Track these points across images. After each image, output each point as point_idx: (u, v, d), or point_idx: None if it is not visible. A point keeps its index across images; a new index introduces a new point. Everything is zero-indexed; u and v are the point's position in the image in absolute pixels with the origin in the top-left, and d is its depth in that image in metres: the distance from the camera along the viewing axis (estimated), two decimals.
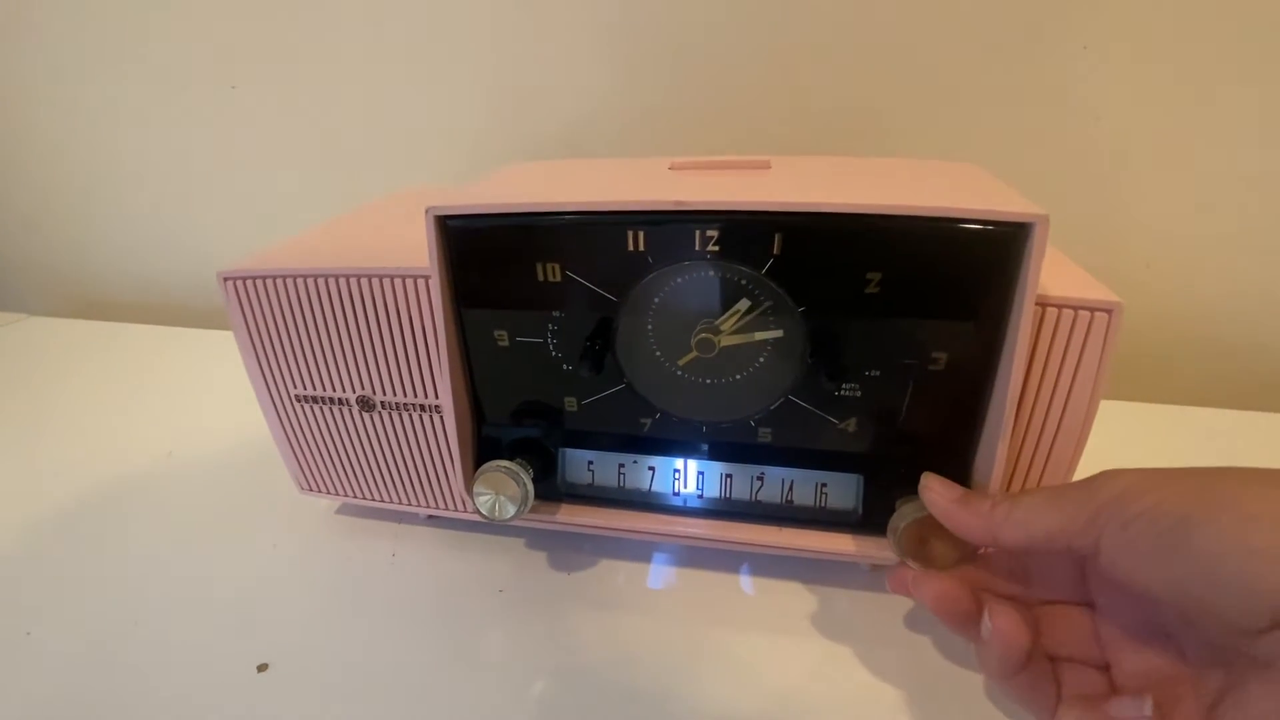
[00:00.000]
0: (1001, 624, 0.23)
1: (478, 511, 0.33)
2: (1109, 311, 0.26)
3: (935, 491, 0.27)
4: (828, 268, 0.26)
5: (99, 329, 0.75)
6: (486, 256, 0.29)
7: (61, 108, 0.73)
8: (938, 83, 0.50)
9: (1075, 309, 0.26)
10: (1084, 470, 0.29)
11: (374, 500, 0.39)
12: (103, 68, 0.69)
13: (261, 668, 0.32)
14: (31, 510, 0.44)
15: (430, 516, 0.41)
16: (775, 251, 0.26)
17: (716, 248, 0.26)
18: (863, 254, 0.26)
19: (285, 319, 0.34)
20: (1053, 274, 0.27)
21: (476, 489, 0.32)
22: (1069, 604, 0.26)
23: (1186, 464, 0.20)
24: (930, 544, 0.28)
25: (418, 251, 0.31)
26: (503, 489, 0.32)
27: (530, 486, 0.32)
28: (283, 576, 0.38)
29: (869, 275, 0.26)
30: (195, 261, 0.79)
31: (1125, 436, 0.37)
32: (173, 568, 0.38)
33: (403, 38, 0.59)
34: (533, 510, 0.34)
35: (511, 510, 0.32)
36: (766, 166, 0.31)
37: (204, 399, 0.57)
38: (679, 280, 0.28)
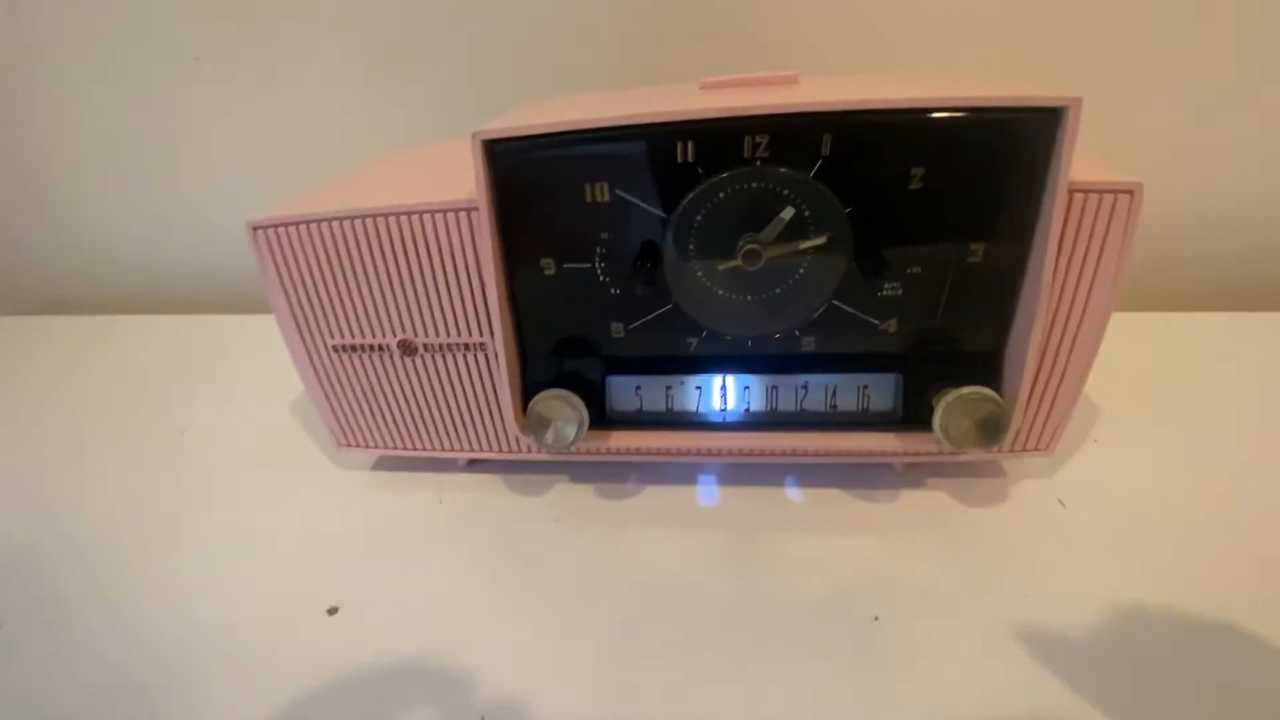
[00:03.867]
0: None
1: (537, 442, 0.34)
2: (1131, 192, 0.28)
3: None
4: (875, 166, 0.27)
5: (67, 324, 0.71)
6: (534, 181, 0.29)
7: (10, 96, 0.68)
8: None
9: (1100, 192, 0.28)
10: (1102, 362, 0.32)
11: (415, 449, 0.39)
12: (54, 47, 0.65)
13: (332, 610, 0.32)
14: (62, 496, 0.43)
15: (471, 462, 0.41)
16: (824, 153, 0.27)
17: (767, 153, 0.27)
18: (908, 150, 0.27)
19: (321, 267, 0.33)
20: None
21: (533, 419, 0.33)
22: None
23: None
24: (973, 427, 0.30)
25: (451, 188, 0.32)
26: (559, 415, 0.33)
27: (585, 411, 0.33)
28: (333, 530, 0.38)
29: (913, 171, 0.27)
30: (160, 248, 0.75)
31: (1126, 344, 0.39)
32: (216, 535, 0.38)
33: (377, 4, 0.57)
34: (583, 440, 0.34)
35: (571, 433, 0.33)
36: (795, 80, 0.32)
37: (199, 381, 0.56)
38: (727, 191, 0.29)
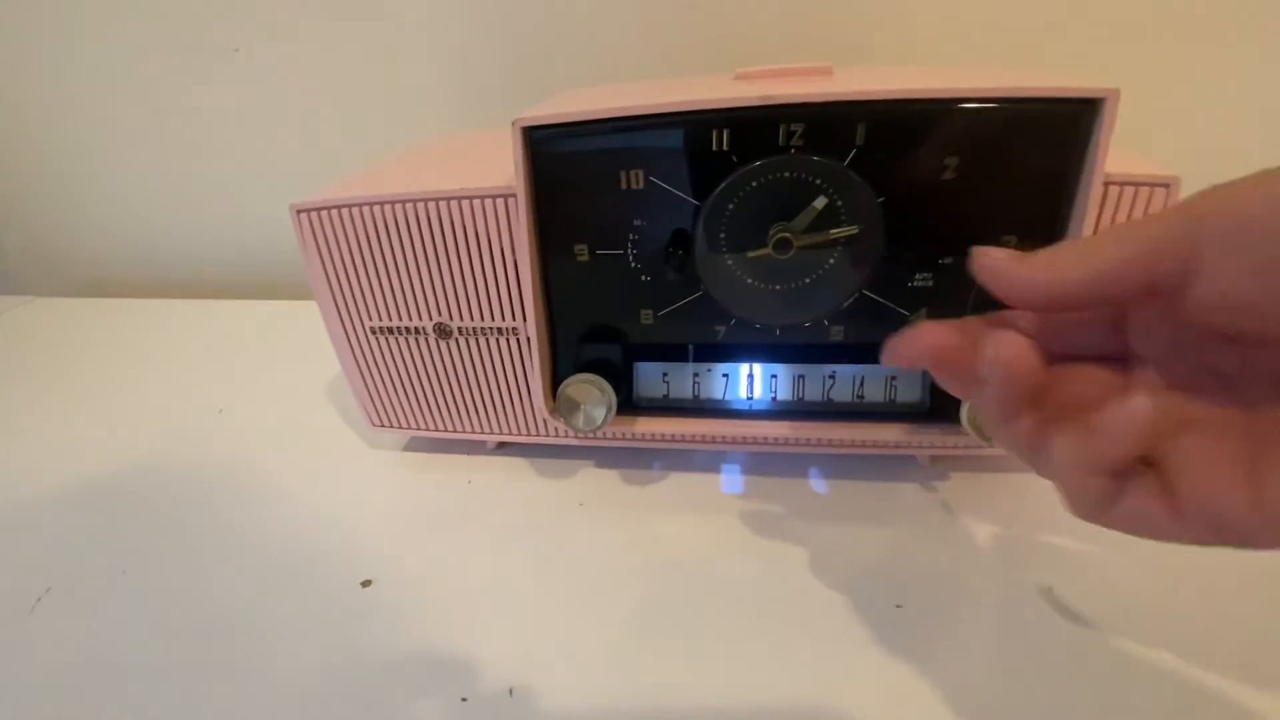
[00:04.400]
0: (1005, 351, 0.19)
1: (565, 425, 0.34)
2: (1167, 186, 0.28)
3: (991, 255, 0.21)
4: (909, 156, 0.27)
5: (105, 306, 0.74)
6: (571, 168, 0.30)
7: (52, 80, 0.71)
8: None
9: (1136, 185, 0.28)
10: None
11: (447, 431, 0.40)
12: (95, 33, 0.67)
13: (365, 583, 0.33)
14: (102, 471, 0.44)
15: (500, 445, 0.42)
16: (858, 142, 0.27)
17: (801, 141, 0.28)
18: (943, 140, 0.27)
19: (362, 250, 0.34)
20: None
21: (563, 402, 0.34)
22: (1093, 361, 0.21)
23: None
24: None
25: (489, 176, 0.32)
26: (588, 398, 0.33)
27: (613, 394, 0.34)
28: (364, 508, 0.39)
29: (947, 161, 0.27)
30: (197, 235, 0.78)
31: None
32: (251, 509, 0.39)
33: None
34: (609, 425, 0.35)
35: (600, 416, 0.33)
36: (829, 71, 0.32)
37: (235, 362, 0.57)
38: (760, 180, 0.29)
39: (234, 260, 0.77)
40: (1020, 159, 0.27)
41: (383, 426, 0.41)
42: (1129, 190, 0.28)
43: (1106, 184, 0.28)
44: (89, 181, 0.77)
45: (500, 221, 0.32)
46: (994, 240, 0.29)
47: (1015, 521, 0.34)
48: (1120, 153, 0.29)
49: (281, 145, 0.69)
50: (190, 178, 0.74)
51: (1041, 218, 0.28)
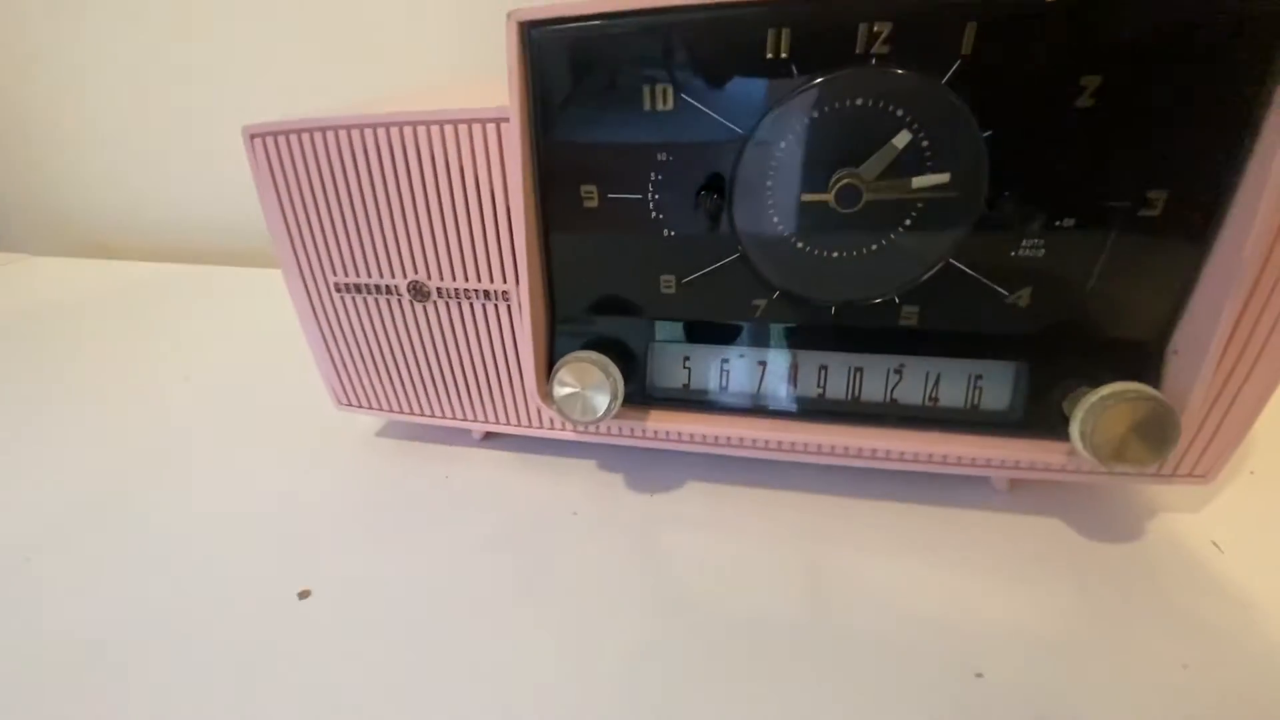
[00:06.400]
0: None
1: (559, 414, 0.28)
2: None
3: None
4: (1032, 71, 0.20)
5: (98, 267, 0.71)
6: (582, 80, 0.23)
7: (54, 44, 0.68)
8: None
9: None
10: None
11: (424, 415, 0.34)
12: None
13: (303, 594, 0.27)
14: (54, 442, 0.39)
15: (487, 436, 0.36)
16: (964, 51, 0.20)
17: (885, 48, 0.21)
18: (1082, 50, 0.20)
19: (325, 186, 0.28)
20: None
21: (557, 384, 0.27)
22: None
23: None
24: (1129, 434, 0.23)
25: (478, 104, 0.26)
26: (589, 380, 0.27)
27: (620, 378, 0.27)
28: (321, 500, 0.33)
29: (1084, 81, 0.20)
30: (195, 198, 0.74)
31: None
32: (199, 490, 0.34)
33: None
34: (616, 417, 0.28)
35: (602, 405, 0.27)
36: None
37: (210, 330, 0.53)
38: (827, 107, 0.22)
39: (232, 226, 0.73)
40: (1188, 83, 0.20)
41: (350, 406, 0.35)
42: None
43: None
44: (88, 145, 0.74)
45: (490, 153, 0.26)
46: (1137, 195, 0.22)
47: (1126, 571, 0.26)
48: None
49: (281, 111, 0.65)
50: (192, 140, 0.70)
51: (1207, 166, 0.21)
